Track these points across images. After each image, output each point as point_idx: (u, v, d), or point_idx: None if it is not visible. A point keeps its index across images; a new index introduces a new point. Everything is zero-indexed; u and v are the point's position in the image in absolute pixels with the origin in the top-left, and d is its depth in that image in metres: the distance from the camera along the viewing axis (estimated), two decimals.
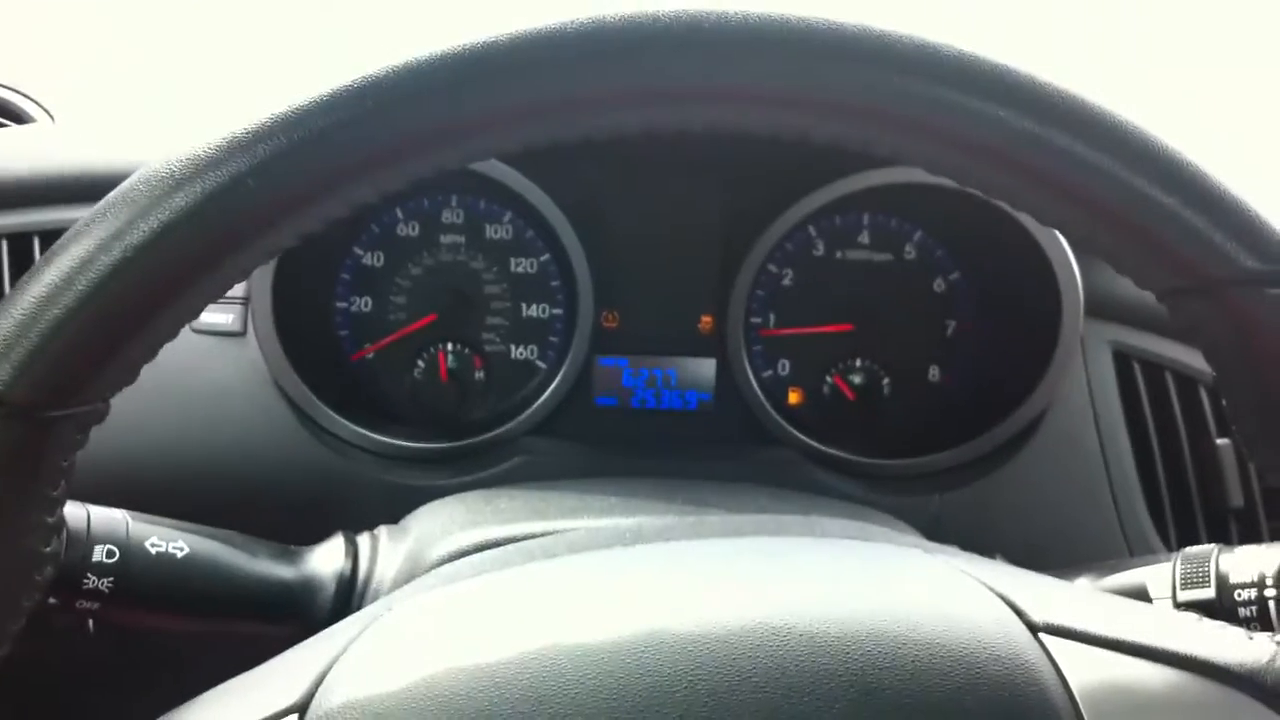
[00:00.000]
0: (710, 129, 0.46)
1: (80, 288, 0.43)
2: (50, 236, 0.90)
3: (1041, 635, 0.49)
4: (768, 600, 0.51)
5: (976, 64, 0.44)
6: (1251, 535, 0.94)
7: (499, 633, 0.49)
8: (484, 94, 0.44)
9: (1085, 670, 0.48)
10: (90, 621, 0.71)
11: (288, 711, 0.47)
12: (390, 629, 0.51)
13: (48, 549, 0.50)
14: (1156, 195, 0.45)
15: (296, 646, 0.53)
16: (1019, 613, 0.50)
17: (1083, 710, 0.47)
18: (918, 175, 0.96)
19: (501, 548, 0.63)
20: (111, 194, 0.45)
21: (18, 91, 1.11)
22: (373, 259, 1.04)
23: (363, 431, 0.96)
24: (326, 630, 0.53)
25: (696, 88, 0.45)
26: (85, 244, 0.44)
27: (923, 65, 0.44)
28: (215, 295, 0.46)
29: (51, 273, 0.44)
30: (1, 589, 0.49)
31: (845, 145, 0.46)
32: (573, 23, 0.43)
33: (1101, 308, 0.97)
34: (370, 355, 1.04)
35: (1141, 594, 0.71)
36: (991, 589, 0.52)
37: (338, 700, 0.46)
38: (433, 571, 0.64)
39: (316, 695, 0.47)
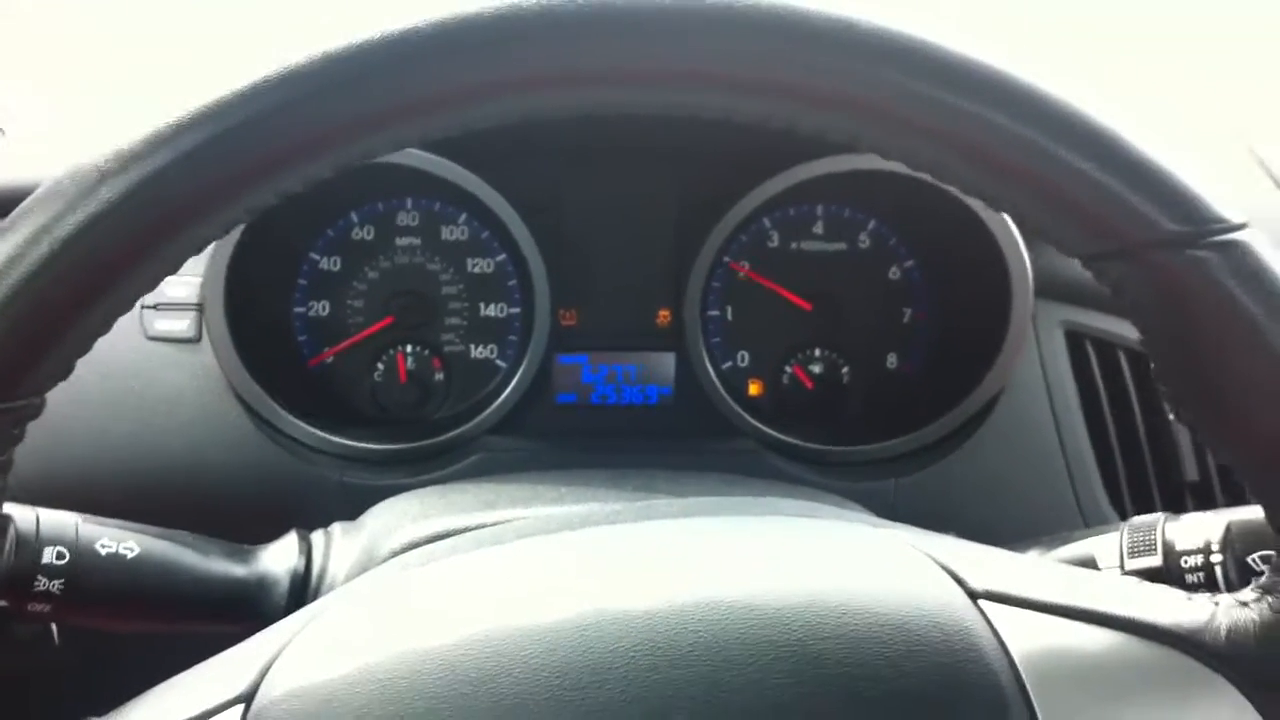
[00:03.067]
0: (610, 108, 0.46)
1: (9, 283, 0.43)
2: None
3: (981, 602, 0.50)
4: (708, 575, 0.51)
5: (885, 32, 0.45)
6: (1207, 509, 0.95)
7: (443, 617, 0.49)
8: (401, 80, 0.44)
9: (1025, 636, 0.49)
10: (54, 629, 0.71)
11: (234, 701, 0.47)
12: (336, 617, 0.52)
13: None
14: (1073, 160, 0.45)
15: (245, 641, 0.53)
16: (958, 580, 0.51)
17: (1023, 675, 0.48)
18: (870, 162, 0.96)
19: (452, 538, 0.64)
20: (38, 190, 0.45)
21: None
22: (329, 263, 1.04)
23: (321, 434, 0.96)
24: (275, 624, 0.54)
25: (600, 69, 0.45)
26: (12, 239, 0.44)
27: (820, 32, 0.45)
28: (147, 287, 0.46)
29: None
30: None
31: (739, 119, 0.47)
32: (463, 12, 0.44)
33: (1052, 288, 0.98)
34: (329, 359, 1.04)
35: (1090, 565, 0.71)
36: (932, 558, 0.52)
37: (283, 688, 0.47)
38: (384, 563, 0.64)
39: (262, 685, 0.47)
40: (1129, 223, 0.46)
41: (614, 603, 0.49)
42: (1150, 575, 0.68)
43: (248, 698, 0.47)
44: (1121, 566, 0.69)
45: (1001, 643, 0.48)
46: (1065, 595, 0.51)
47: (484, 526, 0.69)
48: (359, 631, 0.50)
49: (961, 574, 0.51)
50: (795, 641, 0.47)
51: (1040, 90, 0.46)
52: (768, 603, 0.49)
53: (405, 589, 0.54)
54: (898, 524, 0.75)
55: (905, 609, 0.49)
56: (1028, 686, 0.47)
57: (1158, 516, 0.70)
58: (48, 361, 0.46)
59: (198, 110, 0.44)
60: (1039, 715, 0.47)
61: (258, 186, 0.45)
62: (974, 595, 0.50)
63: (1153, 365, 0.50)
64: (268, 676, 0.47)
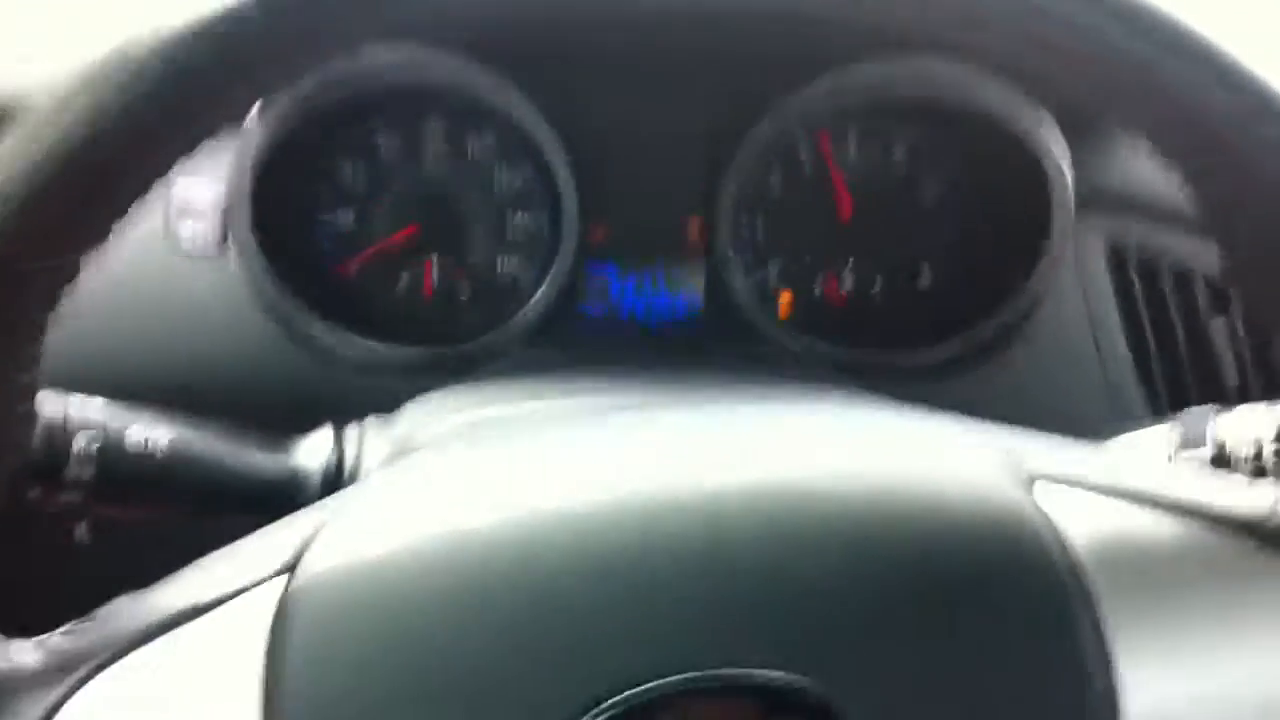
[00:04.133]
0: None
1: (49, 141, 0.42)
2: None
3: (1037, 484, 0.49)
4: (762, 458, 0.50)
5: None
6: None
7: (489, 496, 0.48)
8: None
9: (1083, 519, 0.47)
10: (81, 529, 0.70)
11: (276, 573, 0.46)
12: (379, 494, 0.51)
13: (24, 409, 0.49)
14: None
15: (286, 518, 0.52)
16: (1014, 463, 0.50)
17: (1081, 558, 0.47)
18: (905, 70, 0.94)
19: (496, 422, 0.63)
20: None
21: None
22: (352, 171, 1.02)
23: (350, 338, 0.94)
24: (317, 502, 0.53)
25: None
26: (51, 104, 0.43)
27: None
28: (185, 150, 0.45)
29: (21, 130, 0.43)
30: None
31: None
32: None
33: (1095, 199, 0.96)
34: (354, 268, 1.03)
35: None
36: (986, 442, 0.51)
37: (325, 561, 0.46)
38: (423, 447, 0.63)
39: (304, 557, 0.47)
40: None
41: (665, 485, 0.48)
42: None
43: (290, 568, 0.46)
44: (1172, 459, 0.68)
45: (1057, 526, 0.47)
46: (1123, 479, 0.49)
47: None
48: (402, 507, 0.49)
49: (1016, 456, 0.50)
50: (849, 527, 0.46)
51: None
52: (821, 486, 0.48)
53: (449, 468, 0.53)
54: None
55: (960, 491, 0.48)
56: (1085, 569, 0.46)
57: (1208, 408, 0.69)
58: (86, 221, 0.45)
59: None
60: (1096, 599, 0.46)
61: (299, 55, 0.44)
62: (1030, 477, 0.49)
63: (1226, 264, 0.48)
64: (310, 549, 0.47)
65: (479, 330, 0.99)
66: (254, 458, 0.69)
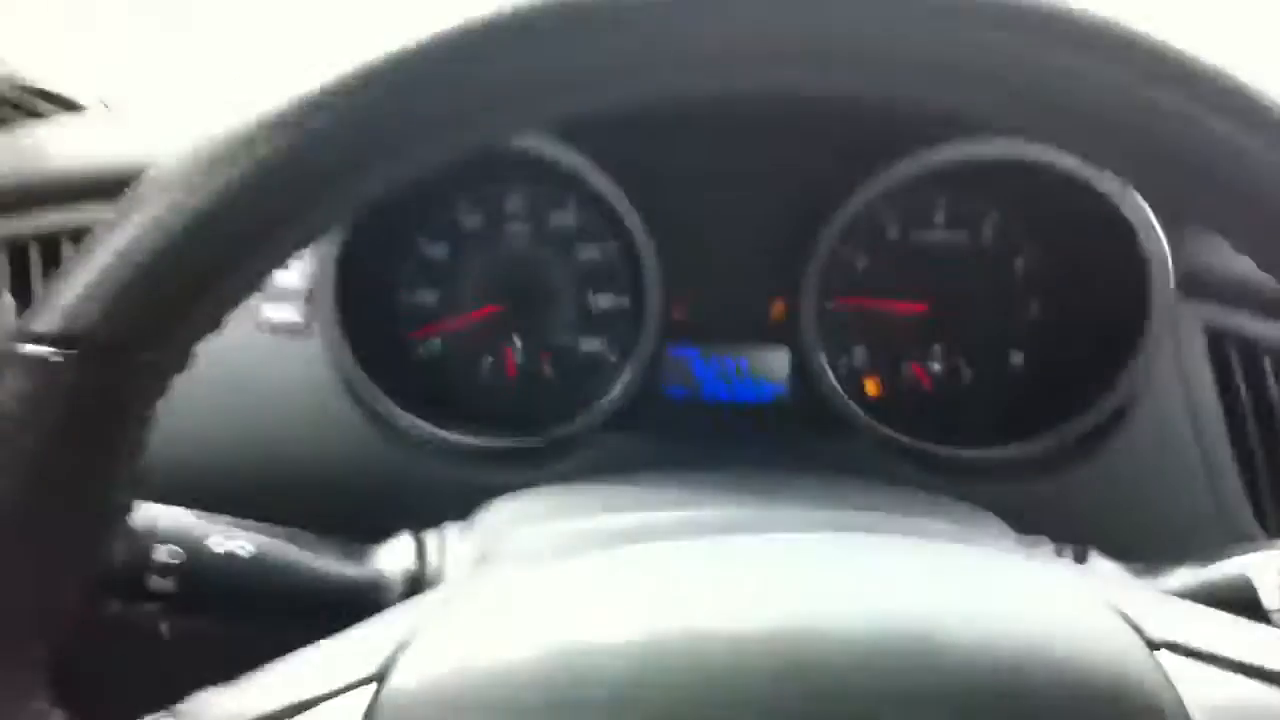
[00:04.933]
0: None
1: (169, 227, 0.41)
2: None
3: (1160, 653, 0.46)
4: (870, 602, 0.48)
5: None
6: None
7: (586, 615, 0.47)
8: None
9: (1204, 691, 0.45)
10: (164, 627, 0.70)
11: (365, 681, 0.45)
12: (470, 606, 0.49)
13: (118, 508, 0.48)
14: None
15: (371, 620, 0.51)
16: (1136, 628, 0.47)
17: None
18: (997, 148, 0.92)
19: (581, 534, 0.61)
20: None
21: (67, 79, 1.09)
22: (436, 250, 1.02)
23: (430, 428, 0.94)
24: (403, 606, 0.52)
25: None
26: (173, 186, 0.42)
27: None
28: (303, 243, 0.44)
29: (139, 213, 0.42)
30: (72, 546, 0.47)
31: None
32: None
33: (1193, 285, 0.93)
34: (437, 348, 1.02)
35: (1244, 586, 0.67)
36: (1108, 602, 0.49)
37: (417, 672, 0.45)
38: (509, 555, 0.62)
39: (395, 666, 0.45)
40: None
41: (751, 623, 0.46)
42: None
43: (379, 678, 0.45)
44: None
45: (1180, 699, 0.44)
46: (1248, 651, 0.47)
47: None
48: (495, 620, 0.48)
49: (1140, 621, 0.47)
50: (961, 686, 0.44)
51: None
52: (932, 639, 0.45)
53: (545, 581, 0.52)
54: (1040, 539, 0.71)
55: (1081, 656, 0.45)
56: None
57: None
58: (199, 312, 0.43)
59: (362, 68, 0.42)
60: None
61: (404, 155, 0.43)
62: (1152, 645, 0.46)
63: None
64: (401, 658, 0.46)
65: (560, 415, 0.98)
66: (336, 566, 0.69)
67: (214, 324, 0.45)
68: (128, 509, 0.48)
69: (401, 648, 0.46)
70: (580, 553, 0.54)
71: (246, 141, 0.42)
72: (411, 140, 0.43)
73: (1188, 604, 0.51)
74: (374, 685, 0.45)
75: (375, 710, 0.44)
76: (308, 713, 0.45)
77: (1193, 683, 0.45)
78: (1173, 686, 0.44)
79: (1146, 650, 0.46)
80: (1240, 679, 0.46)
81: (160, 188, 0.42)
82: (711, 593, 0.48)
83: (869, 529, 0.62)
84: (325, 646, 0.50)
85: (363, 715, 0.44)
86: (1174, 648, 0.46)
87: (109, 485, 0.46)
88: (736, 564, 0.53)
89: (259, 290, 0.44)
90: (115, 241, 0.42)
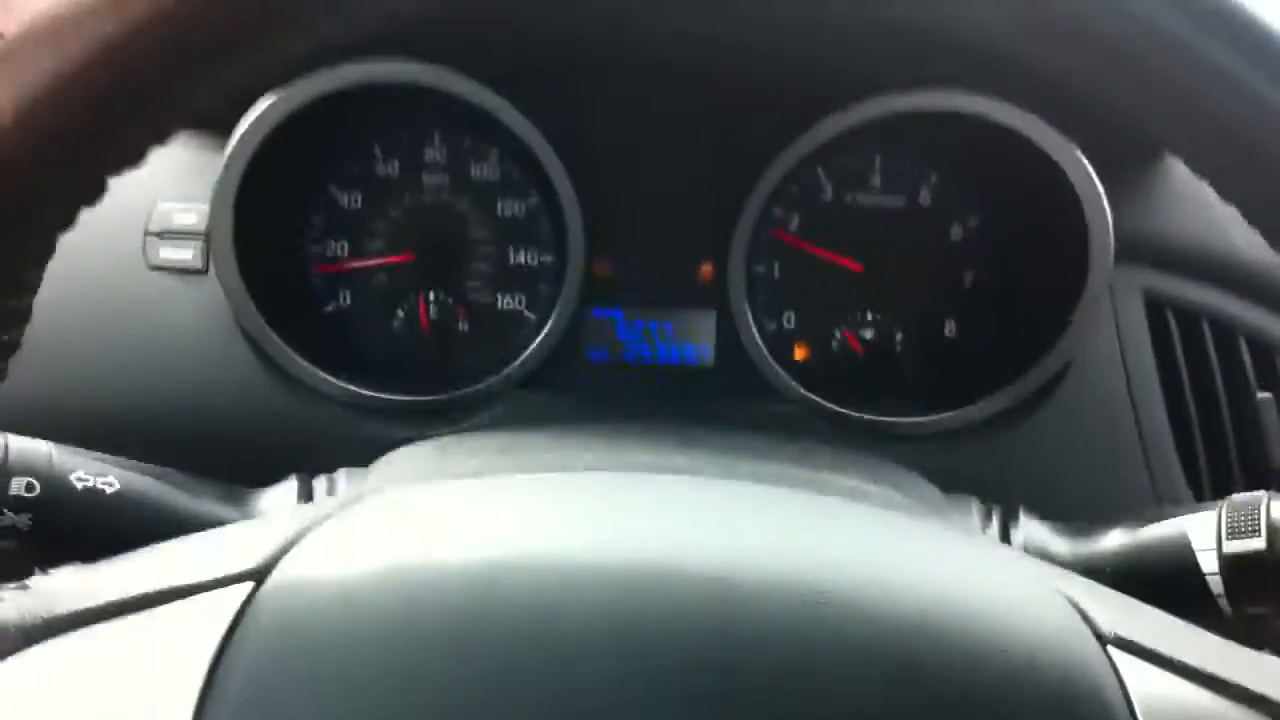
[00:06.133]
0: None
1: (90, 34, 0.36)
2: None
3: (1110, 648, 0.44)
4: (807, 558, 0.46)
5: None
6: None
7: (470, 531, 0.46)
8: None
9: (1152, 693, 0.43)
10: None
11: (242, 577, 0.43)
12: (359, 515, 0.49)
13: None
14: None
15: (254, 521, 0.51)
16: (1088, 620, 0.46)
17: None
18: (934, 101, 0.88)
19: (468, 468, 0.59)
20: None
21: None
22: (349, 200, 0.97)
23: (332, 379, 0.89)
24: (293, 508, 0.53)
25: None
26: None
27: None
28: (215, 86, 0.39)
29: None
30: None
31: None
32: None
33: (1133, 251, 0.90)
34: (345, 303, 0.97)
35: (1182, 544, 0.64)
36: (1062, 593, 0.47)
37: (297, 574, 0.44)
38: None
39: (276, 567, 0.44)
40: None
41: (700, 564, 0.44)
42: (1252, 559, 0.61)
43: (258, 576, 0.43)
44: (1219, 548, 0.62)
45: (1127, 696, 0.42)
46: (1203, 659, 0.45)
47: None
48: (383, 532, 0.47)
49: (1092, 614, 0.46)
50: (901, 654, 0.41)
51: None
52: (876, 606, 0.43)
53: (436, 497, 0.51)
54: (965, 497, 0.68)
55: (1031, 642, 0.43)
56: None
57: (1260, 495, 0.62)
58: (139, 120, 0.38)
59: None
60: None
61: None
62: (1103, 640, 0.45)
63: None
64: (283, 559, 0.44)
65: (474, 373, 0.93)
66: (211, 507, 0.64)
67: (139, 153, 0.39)
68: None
69: (284, 548, 0.45)
70: (459, 479, 0.52)
71: None
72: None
73: (1143, 604, 0.50)
74: (251, 583, 0.43)
75: (251, 606, 0.42)
76: (179, 601, 0.43)
77: (1140, 680, 0.43)
78: (1120, 682, 0.43)
79: (1097, 643, 0.45)
80: (1186, 682, 0.44)
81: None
82: (623, 532, 0.47)
83: (770, 479, 0.58)
84: (197, 540, 0.49)
85: (237, 610, 0.42)
86: (1125, 645, 0.45)
87: None
88: (622, 499, 0.51)
89: (177, 129, 0.39)
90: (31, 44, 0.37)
